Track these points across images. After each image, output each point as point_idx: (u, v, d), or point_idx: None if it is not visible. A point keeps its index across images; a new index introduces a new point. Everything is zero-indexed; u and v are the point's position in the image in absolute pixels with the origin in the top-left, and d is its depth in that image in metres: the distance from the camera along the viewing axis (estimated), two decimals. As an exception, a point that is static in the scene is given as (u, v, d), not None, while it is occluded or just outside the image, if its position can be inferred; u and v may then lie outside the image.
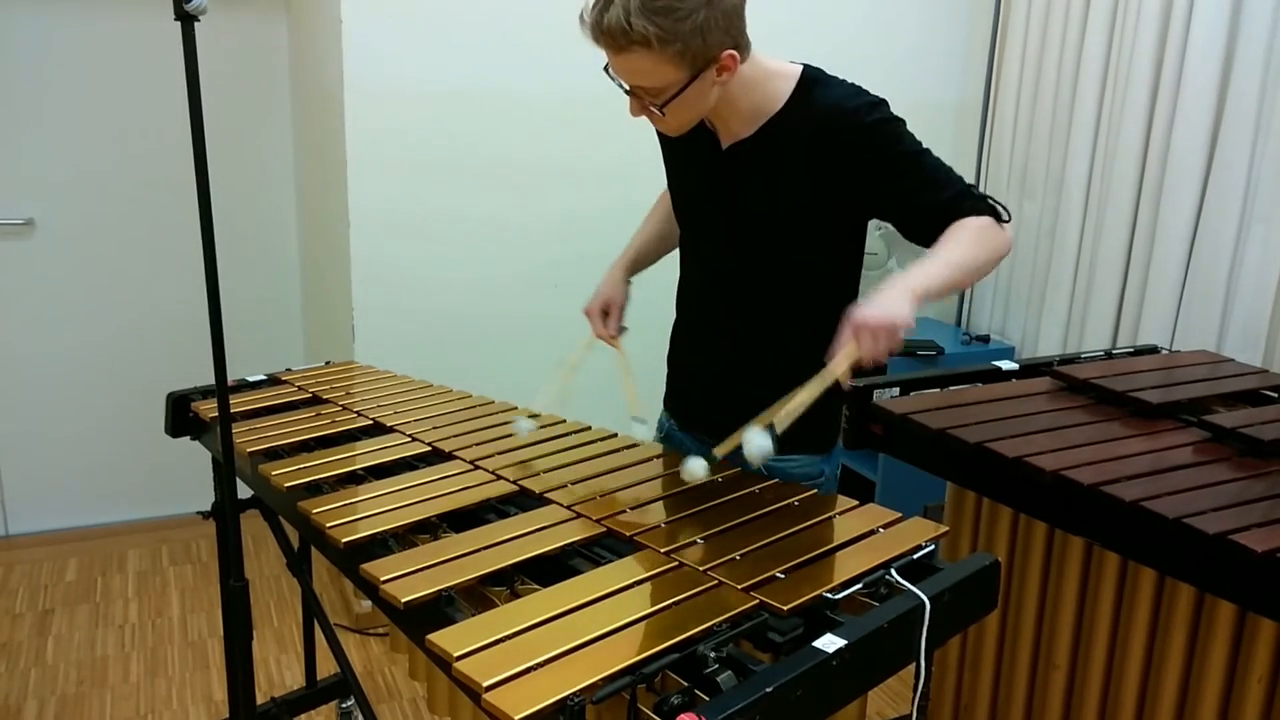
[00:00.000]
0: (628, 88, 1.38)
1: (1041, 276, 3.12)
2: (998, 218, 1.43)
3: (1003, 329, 3.31)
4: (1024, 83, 3.15)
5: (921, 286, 1.30)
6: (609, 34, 1.30)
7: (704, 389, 1.70)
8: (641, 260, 1.82)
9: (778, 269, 1.54)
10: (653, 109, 1.39)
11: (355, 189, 2.61)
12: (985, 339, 3.23)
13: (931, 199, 1.42)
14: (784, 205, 1.49)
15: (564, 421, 1.77)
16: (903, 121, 1.45)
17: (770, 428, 1.33)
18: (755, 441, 1.32)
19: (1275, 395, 2.05)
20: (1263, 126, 2.47)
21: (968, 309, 3.44)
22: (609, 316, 1.76)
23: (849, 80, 1.49)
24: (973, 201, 1.42)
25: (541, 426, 1.74)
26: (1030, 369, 2.23)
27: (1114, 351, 2.37)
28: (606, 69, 1.39)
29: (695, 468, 1.43)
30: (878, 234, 3.02)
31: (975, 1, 3.30)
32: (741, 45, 1.38)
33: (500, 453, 1.61)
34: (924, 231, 1.44)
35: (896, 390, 2.09)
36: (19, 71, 3.02)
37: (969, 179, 3.48)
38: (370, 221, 2.65)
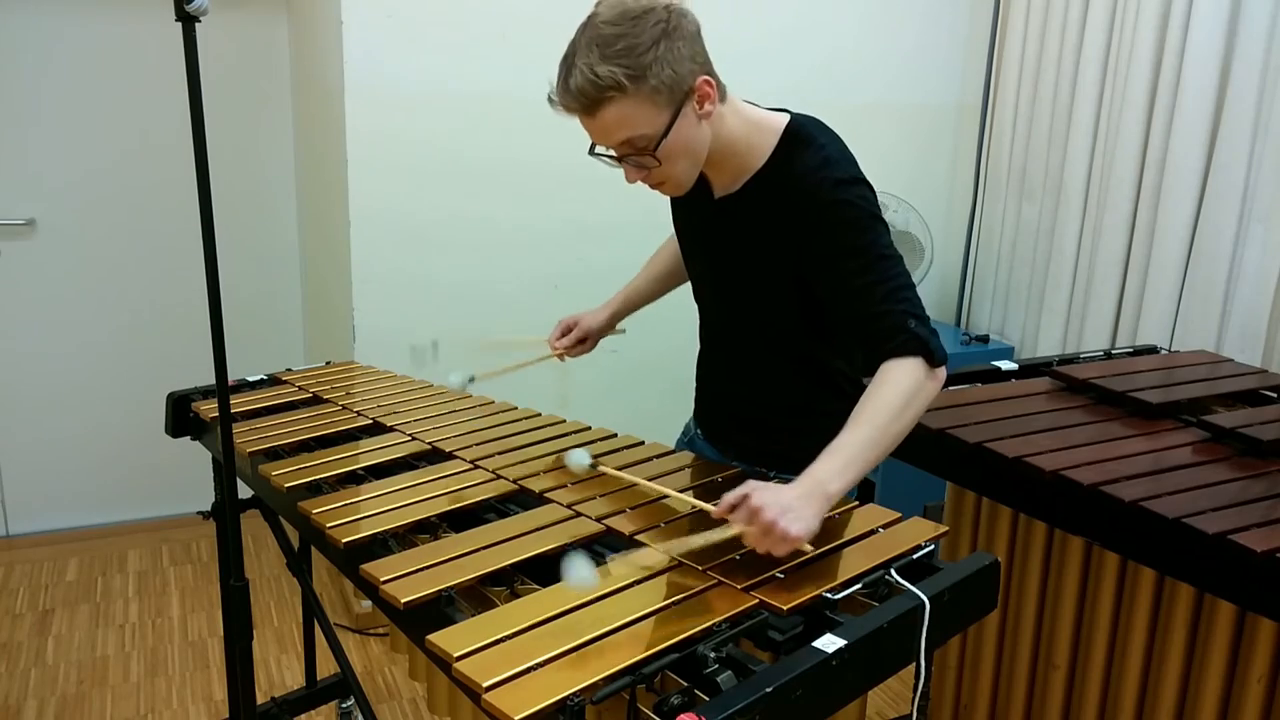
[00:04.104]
0: (616, 155, 1.34)
1: (1041, 277, 3.12)
2: (930, 358, 1.29)
3: (1002, 329, 3.31)
4: (1023, 84, 3.15)
5: (840, 491, 1.21)
6: (581, 94, 1.27)
7: (720, 410, 1.72)
8: (632, 303, 1.85)
9: (760, 320, 1.54)
10: (647, 168, 1.34)
11: (355, 190, 2.61)
12: (985, 339, 3.23)
13: (863, 309, 1.32)
14: (759, 263, 1.47)
15: (564, 421, 1.77)
16: (870, 209, 1.35)
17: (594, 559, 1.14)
18: (577, 573, 1.10)
19: (1274, 395, 2.05)
20: (1261, 127, 2.47)
21: (967, 309, 3.44)
22: (567, 335, 1.81)
23: (836, 139, 1.41)
24: (904, 336, 1.29)
25: (541, 426, 1.74)
26: (1030, 369, 2.23)
27: (1113, 351, 2.37)
28: (592, 150, 1.36)
29: (577, 459, 1.47)
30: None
31: (975, 3, 3.30)
32: (712, 74, 1.34)
33: (500, 453, 1.61)
34: (847, 332, 1.41)
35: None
36: (20, 72, 3.02)
37: (968, 180, 3.43)
38: (371, 222, 2.65)
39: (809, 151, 1.38)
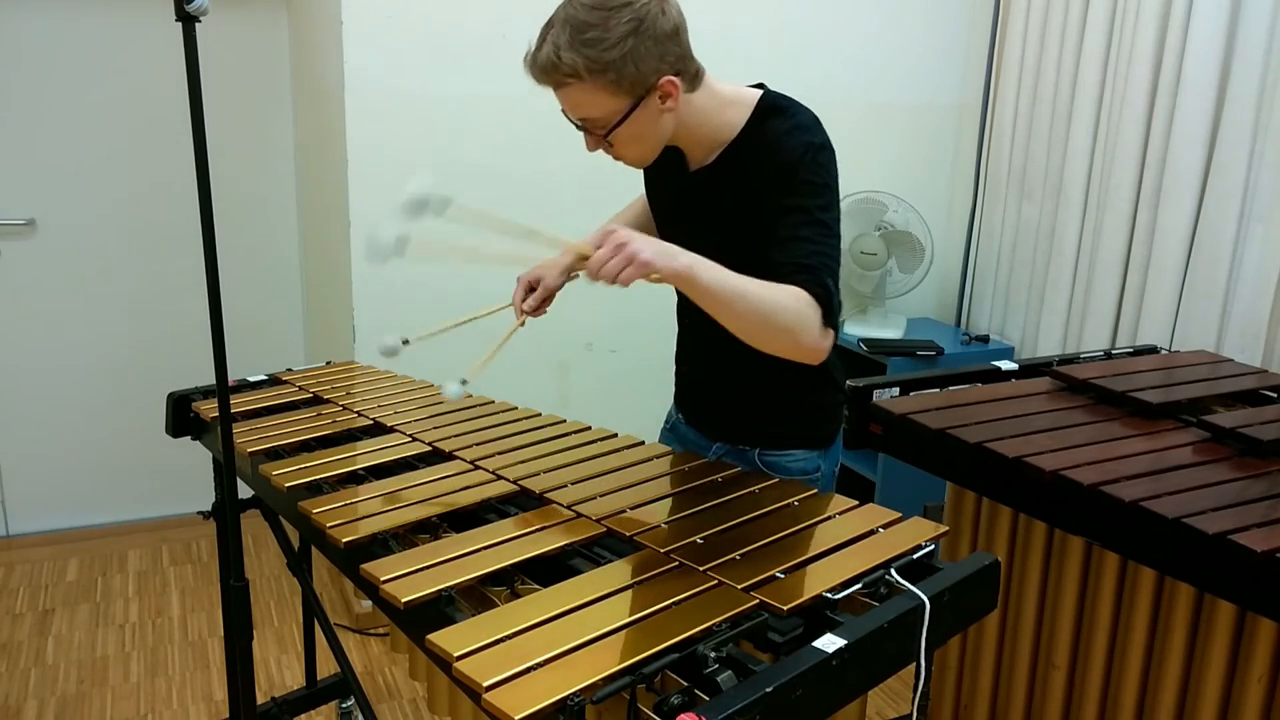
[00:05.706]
0: (579, 123, 1.40)
1: (1041, 277, 3.12)
2: (826, 313, 1.35)
3: (1002, 329, 3.31)
4: (1023, 84, 3.14)
5: (697, 269, 1.27)
6: (543, 70, 1.33)
7: (700, 392, 1.72)
8: None
9: None
10: (605, 141, 1.40)
11: (356, 189, 2.61)
12: (985, 339, 3.23)
13: (786, 257, 1.37)
14: (734, 234, 1.48)
15: (564, 421, 1.77)
16: (826, 179, 1.40)
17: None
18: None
19: (1275, 395, 2.05)
20: (1261, 127, 2.47)
21: (967, 309, 3.44)
22: (532, 293, 1.68)
23: (808, 110, 1.44)
24: (814, 285, 1.35)
25: (541, 427, 1.74)
26: (1030, 369, 2.23)
27: (1113, 351, 2.37)
28: (564, 111, 1.41)
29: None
30: (876, 234, 3.02)
31: (975, 3, 3.30)
32: (684, 72, 1.37)
33: (500, 453, 1.61)
34: (769, 275, 1.38)
35: (896, 390, 2.09)
36: (20, 71, 3.02)
37: (968, 180, 3.43)
38: (371, 222, 2.65)
39: (780, 118, 1.44)
